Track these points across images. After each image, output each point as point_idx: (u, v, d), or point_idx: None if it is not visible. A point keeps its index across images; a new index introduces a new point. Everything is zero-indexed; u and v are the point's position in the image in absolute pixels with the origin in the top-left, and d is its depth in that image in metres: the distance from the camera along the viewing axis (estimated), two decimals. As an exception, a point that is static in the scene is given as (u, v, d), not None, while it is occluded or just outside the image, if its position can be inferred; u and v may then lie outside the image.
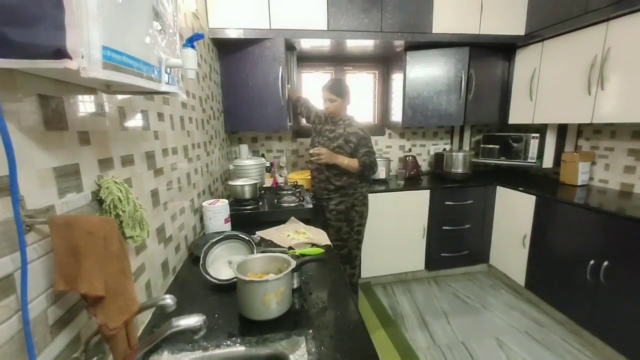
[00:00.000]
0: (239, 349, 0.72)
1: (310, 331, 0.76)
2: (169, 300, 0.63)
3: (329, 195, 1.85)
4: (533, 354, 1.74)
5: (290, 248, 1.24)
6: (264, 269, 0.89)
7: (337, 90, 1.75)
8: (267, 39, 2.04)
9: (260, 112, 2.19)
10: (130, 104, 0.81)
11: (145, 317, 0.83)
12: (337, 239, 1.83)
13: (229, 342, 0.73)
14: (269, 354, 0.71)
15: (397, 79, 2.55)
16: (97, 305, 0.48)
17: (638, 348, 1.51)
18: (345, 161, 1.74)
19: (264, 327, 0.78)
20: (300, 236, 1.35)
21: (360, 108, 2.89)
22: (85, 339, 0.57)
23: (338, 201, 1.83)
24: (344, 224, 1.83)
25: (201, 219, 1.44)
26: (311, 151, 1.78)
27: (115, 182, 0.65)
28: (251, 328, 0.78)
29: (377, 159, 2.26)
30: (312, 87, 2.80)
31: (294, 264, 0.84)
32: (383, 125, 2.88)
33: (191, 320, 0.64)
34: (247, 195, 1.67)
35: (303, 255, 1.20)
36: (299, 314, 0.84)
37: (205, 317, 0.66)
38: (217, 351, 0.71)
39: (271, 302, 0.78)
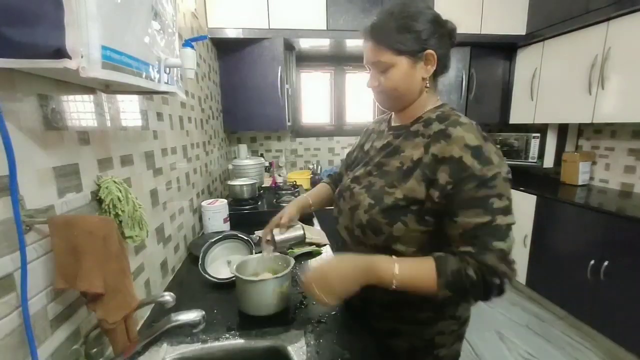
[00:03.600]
0: (238, 341, 0.72)
1: (309, 325, 0.77)
2: (168, 297, 0.63)
3: (371, 302, 0.76)
4: (534, 346, 1.74)
5: (289, 248, 1.25)
6: (263, 268, 0.90)
7: (400, 34, 0.65)
8: (266, 38, 2.04)
9: (259, 112, 2.19)
10: (130, 103, 0.81)
11: (145, 312, 0.83)
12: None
13: (227, 335, 0.74)
14: (268, 346, 0.72)
15: (397, 78, 2.55)
16: (97, 302, 0.48)
17: (637, 341, 1.51)
18: (396, 271, 0.59)
19: (263, 321, 0.78)
20: (300, 236, 1.35)
21: (360, 108, 2.89)
22: (85, 332, 0.58)
23: (390, 328, 0.76)
24: None
25: (200, 218, 1.44)
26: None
27: (115, 182, 0.65)
28: (251, 322, 0.78)
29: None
30: (312, 87, 2.80)
31: (292, 263, 0.84)
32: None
33: (190, 315, 0.65)
34: (246, 195, 1.67)
35: (302, 254, 1.20)
36: (299, 307, 0.84)
37: (204, 312, 0.66)
38: (216, 344, 0.71)
39: (270, 299, 0.78)
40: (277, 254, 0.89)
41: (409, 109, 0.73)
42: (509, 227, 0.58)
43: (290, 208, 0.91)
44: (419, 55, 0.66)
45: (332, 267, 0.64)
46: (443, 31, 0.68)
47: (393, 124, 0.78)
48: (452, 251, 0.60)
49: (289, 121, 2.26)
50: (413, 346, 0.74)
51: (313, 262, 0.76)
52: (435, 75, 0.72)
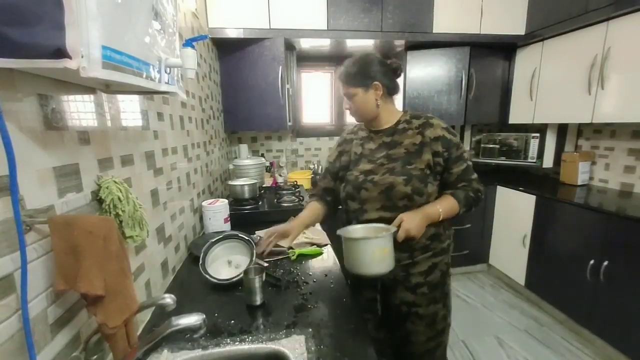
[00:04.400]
0: (239, 347, 0.72)
1: (310, 330, 0.76)
2: (168, 299, 0.63)
3: (412, 258, 0.99)
4: (533, 352, 1.74)
5: (290, 248, 1.25)
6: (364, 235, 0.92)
7: (353, 76, 0.99)
8: (267, 38, 2.04)
9: (260, 112, 2.20)
10: (130, 103, 0.81)
11: (145, 316, 0.83)
12: (431, 337, 1.03)
13: (228, 341, 0.73)
14: (269, 352, 0.71)
15: (397, 78, 2.55)
16: (97, 305, 0.48)
17: (638, 347, 1.51)
18: (440, 209, 0.95)
19: (265, 324, 0.78)
20: (300, 236, 1.36)
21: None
22: (85, 337, 0.58)
23: (429, 265, 1.00)
24: (439, 305, 1.03)
25: (201, 218, 1.44)
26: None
27: (115, 182, 0.65)
28: (251, 327, 0.78)
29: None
30: (312, 87, 2.80)
31: (394, 229, 0.88)
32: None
33: (191, 319, 0.65)
34: (247, 195, 1.67)
35: (303, 255, 1.20)
36: (299, 313, 0.84)
37: (204, 316, 0.66)
38: (217, 349, 0.71)
39: (376, 258, 0.86)
40: (377, 225, 0.95)
41: (379, 118, 1.04)
42: (471, 165, 1.01)
43: (299, 228, 1.08)
44: (369, 86, 0.98)
45: (417, 216, 0.92)
46: (386, 68, 1.01)
47: (374, 129, 1.06)
48: (451, 191, 0.99)
49: (289, 121, 2.27)
50: (442, 271, 1.03)
51: (404, 216, 0.92)
52: (390, 94, 1.04)
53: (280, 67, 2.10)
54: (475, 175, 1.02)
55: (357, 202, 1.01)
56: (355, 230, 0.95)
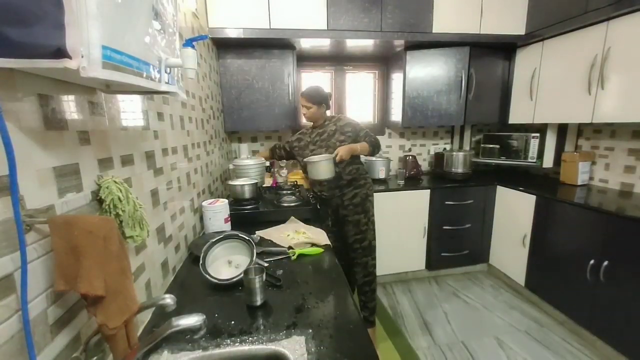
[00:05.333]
0: (239, 348, 0.72)
1: (310, 331, 0.76)
2: (168, 300, 0.63)
3: (341, 191, 1.82)
4: (533, 353, 1.74)
5: (290, 248, 1.24)
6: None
7: (312, 97, 1.76)
8: (272, 38, 2.05)
9: (266, 113, 2.26)
10: (130, 103, 0.81)
11: (145, 316, 0.83)
12: (357, 233, 1.82)
13: (228, 342, 0.73)
14: (269, 353, 0.71)
15: (397, 78, 2.55)
16: (97, 305, 0.48)
17: (638, 347, 1.51)
18: (358, 147, 1.71)
19: (265, 325, 0.78)
20: (300, 236, 1.36)
21: (360, 108, 2.89)
22: (85, 338, 0.58)
23: (352, 194, 1.80)
24: (362, 215, 1.81)
25: (201, 218, 1.44)
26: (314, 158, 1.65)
27: (115, 182, 0.65)
28: (251, 328, 0.78)
29: (378, 159, 2.56)
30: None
31: (333, 155, 1.64)
32: (383, 124, 2.88)
33: (191, 320, 0.65)
34: (247, 195, 1.67)
35: (303, 255, 1.20)
36: (299, 313, 0.84)
37: (205, 316, 0.66)
38: (217, 350, 0.71)
39: (322, 170, 1.63)
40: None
41: (319, 121, 1.85)
42: (371, 132, 1.82)
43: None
44: (320, 105, 1.78)
45: (346, 148, 1.65)
46: (327, 94, 1.82)
47: (314, 126, 1.88)
48: (365, 139, 1.78)
49: (294, 121, 2.30)
50: (361, 198, 1.81)
51: (339, 148, 1.65)
52: (327, 109, 1.84)
53: (287, 67, 2.19)
54: (373, 135, 1.80)
55: (311, 175, 1.74)
56: (313, 158, 1.64)
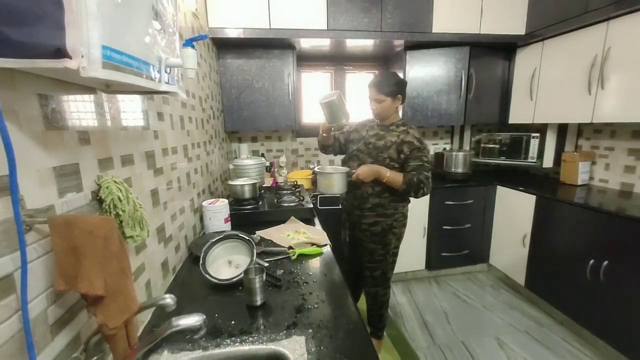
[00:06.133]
0: (239, 348, 0.72)
1: (310, 331, 0.76)
2: (169, 299, 0.63)
3: (362, 212, 1.55)
4: (533, 353, 1.74)
5: (290, 248, 1.25)
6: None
7: (386, 87, 1.45)
8: (272, 38, 2.05)
9: (266, 113, 2.26)
10: (130, 103, 0.81)
11: (145, 316, 0.83)
12: (370, 261, 1.61)
13: (228, 342, 0.73)
14: (269, 353, 0.71)
15: (397, 78, 2.55)
16: (97, 305, 0.48)
17: (638, 347, 1.51)
18: (387, 174, 1.42)
19: (265, 325, 0.78)
20: (300, 236, 1.36)
21: (360, 108, 2.89)
22: (85, 338, 0.58)
23: (373, 221, 1.53)
24: (378, 246, 1.56)
25: (201, 218, 1.44)
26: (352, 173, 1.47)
27: (115, 182, 0.65)
28: (251, 328, 0.78)
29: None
30: (312, 86, 2.80)
31: (346, 169, 1.48)
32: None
33: (191, 320, 0.65)
34: (247, 195, 1.67)
35: (303, 255, 1.20)
36: (299, 313, 0.84)
37: (205, 316, 0.66)
38: (217, 350, 0.71)
39: (334, 185, 1.47)
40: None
41: (388, 120, 1.56)
42: (428, 169, 1.44)
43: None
44: (395, 97, 1.48)
45: (369, 168, 1.44)
46: (405, 85, 1.53)
47: (379, 124, 1.58)
48: (404, 173, 1.44)
49: (294, 121, 2.30)
50: (383, 228, 1.55)
51: (362, 166, 1.46)
52: (401, 102, 1.54)
53: (288, 68, 2.18)
54: (427, 173, 1.44)
55: (356, 165, 1.53)
56: (327, 168, 1.51)
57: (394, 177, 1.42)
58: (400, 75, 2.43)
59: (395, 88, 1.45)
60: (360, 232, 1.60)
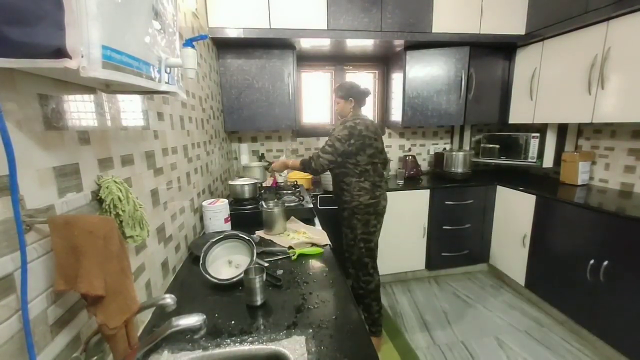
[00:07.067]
0: (239, 348, 0.72)
1: (310, 330, 0.76)
2: (169, 299, 0.63)
3: (337, 199, 1.84)
4: (533, 353, 1.74)
5: (290, 247, 1.25)
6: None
7: (340, 92, 1.77)
8: (273, 43, 2.06)
9: (266, 113, 2.26)
10: (130, 103, 0.81)
11: (145, 316, 0.83)
12: (346, 245, 1.81)
13: (228, 342, 0.73)
14: (269, 353, 0.71)
15: (396, 78, 2.55)
16: (97, 305, 0.48)
17: (638, 347, 1.51)
18: (290, 162, 1.79)
19: (265, 325, 0.78)
20: (300, 236, 1.36)
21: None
22: (85, 338, 0.58)
23: (342, 207, 1.78)
24: (348, 230, 1.77)
25: (201, 218, 1.44)
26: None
27: (115, 182, 0.65)
28: (251, 328, 0.78)
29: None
30: (312, 86, 2.80)
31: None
32: (383, 124, 2.88)
33: (191, 320, 0.65)
34: (247, 195, 1.67)
35: (303, 254, 1.20)
36: (299, 313, 0.84)
37: (205, 316, 0.66)
38: (217, 350, 0.71)
39: None
40: None
41: (344, 118, 1.76)
42: (329, 147, 1.65)
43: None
44: (347, 99, 1.74)
45: (279, 162, 1.88)
46: (357, 89, 1.76)
47: (339, 120, 1.80)
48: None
49: (294, 121, 2.30)
50: (348, 213, 1.74)
51: (275, 162, 1.88)
52: (359, 106, 1.79)
53: (288, 68, 2.18)
54: (320, 151, 1.66)
55: None
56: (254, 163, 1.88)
57: (293, 162, 1.79)
58: (400, 75, 2.46)
59: (347, 92, 1.75)
60: (340, 217, 1.85)
